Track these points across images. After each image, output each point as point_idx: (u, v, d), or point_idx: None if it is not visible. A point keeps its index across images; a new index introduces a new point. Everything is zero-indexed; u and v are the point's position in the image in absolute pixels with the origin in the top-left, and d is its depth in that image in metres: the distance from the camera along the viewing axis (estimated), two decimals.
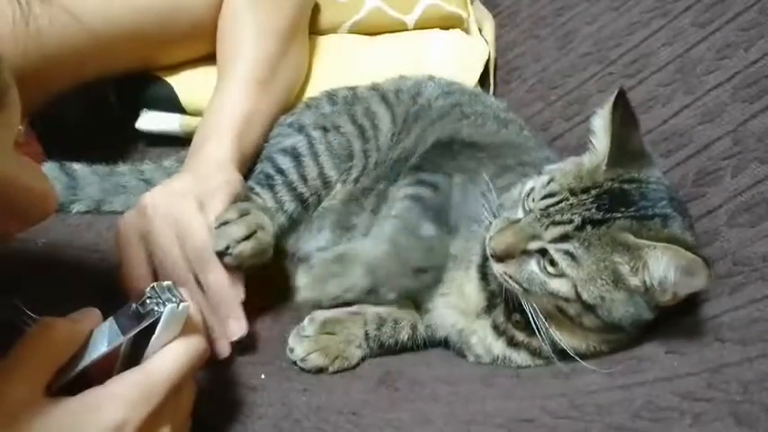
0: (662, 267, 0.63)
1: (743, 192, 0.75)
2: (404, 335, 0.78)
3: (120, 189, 0.95)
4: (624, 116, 0.70)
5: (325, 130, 0.92)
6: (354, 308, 0.78)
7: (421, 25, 1.16)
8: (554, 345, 0.69)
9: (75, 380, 0.54)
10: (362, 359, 0.76)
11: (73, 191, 0.93)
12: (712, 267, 0.62)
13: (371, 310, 0.78)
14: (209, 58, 1.02)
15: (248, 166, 0.90)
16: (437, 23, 1.17)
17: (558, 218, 0.67)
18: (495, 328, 0.75)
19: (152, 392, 0.52)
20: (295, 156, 0.90)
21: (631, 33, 1.03)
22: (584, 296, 0.66)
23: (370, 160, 0.93)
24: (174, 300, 0.53)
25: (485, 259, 0.74)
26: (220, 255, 0.73)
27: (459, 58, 1.14)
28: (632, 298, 0.66)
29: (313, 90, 1.04)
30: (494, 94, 1.17)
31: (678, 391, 0.60)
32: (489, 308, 0.75)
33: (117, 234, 0.76)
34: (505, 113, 0.99)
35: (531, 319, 0.69)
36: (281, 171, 0.89)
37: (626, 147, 0.70)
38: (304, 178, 0.89)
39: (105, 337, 0.54)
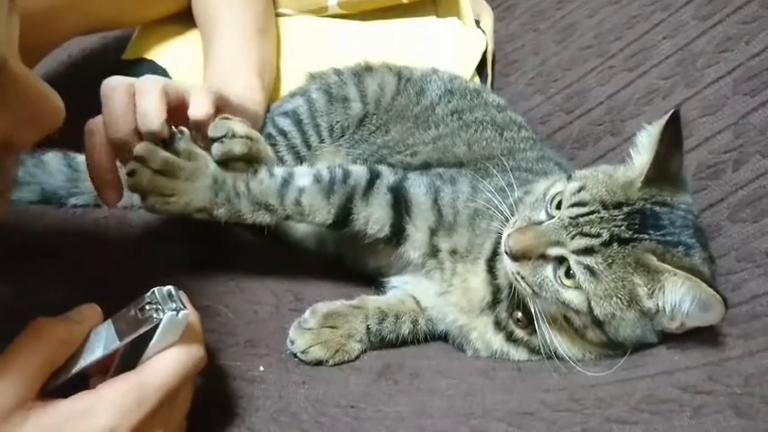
0: (679, 296, 0.63)
1: (744, 186, 0.75)
2: (405, 329, 0.77)
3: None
4: (671, 138, 0.69)
5: (329, 95, 0.94)
6: (356, 301, 0.78)
7: None
8: (553, 348, 0.69)
9: (70, 380, 0.53)
10: (362, 352, 0.75)
11: (74, 183, 0.91)
12: (728, 307, 0.62)
13: (373, 305, 0.77)
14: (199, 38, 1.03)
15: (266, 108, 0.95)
16: None
17: (586, 229, 0.66)
18: (497, 323, 0.75)
19: (144, 399, 0.52)
20: (297, 120, 0.92)
21: (632, 26, 1.03)
22: (597, 311, 0.65)
23: (356, 137, 0.96)
24: (173, 307, 0.52)
25: (495, 254, 0.74)
26: (212, 140, 0.74)
27: (456, 48, 1.13)
28: (641, 320, 0.66)
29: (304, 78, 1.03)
30: (492, 86, 1.17)
31: (679, 384, 0.60)
32: (493, 303, 0.75)
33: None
34: (503, 114, 0.98)
35: (534, 320, 0.68)
36: (283, 133, 0.92)
37: (665, 168, 0.69)
38: (308, 145, 0.93)
39: (102, 341, 0.53)
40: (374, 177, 0.78)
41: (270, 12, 1.04)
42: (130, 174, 0.70)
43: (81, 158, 0.91)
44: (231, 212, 0.73)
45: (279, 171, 0.76)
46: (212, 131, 0.75)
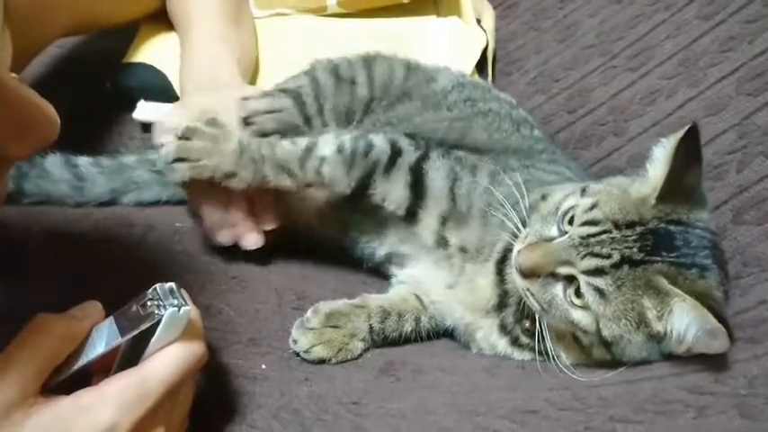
0: (686, 321, 0.62)
1: (748, 187, 0.74)
2: (408, 327, 0.77)
3: (132, 185, 0.92)
4: (688, 152, 0.67)
5: (337, 77, 0.92)
6: (358, 300, 0.78)
7: None
8: (558, 359, 0.68)
9: (72, 376, 0.53)
10: (365, 350, 0.75)
11: (80, 192, 0.90)
12: (734, 336, 0.61)
13: (375, 303, 0.77)
14: None
15: None
16: None
17: (596, 249, 0.64)
18: (503, 327, 0.74)
19: (145, 395, 0.51)
20: (299, 101, 0.90)
21: (634, 26, 1.02)
22: (605, 333, 0.64)
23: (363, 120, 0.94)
24: (175, 303, 0.52)
25: (505, 257, 0.73)
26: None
27: (456, 48, 1.13)
28: (649, 342, 0.65)
29: None
30: (492, 85, 1.17)
31: (684, 385, 0.60)
32: (499, 306, 0.74)
33: None
34: (516, 111, 0.97)
35: (540, 333, 0.67)
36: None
37: (681, 184, 0.66)
38: (308, 121, 0.91)
39: (104, 337, 0.53)
40: (396, 154, 0.77)
41: (244, 4, 1.05)
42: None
43: (83, 164, 0.91)
44: (256, 175, 0.76)
45: (303, 139, 0.78)
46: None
